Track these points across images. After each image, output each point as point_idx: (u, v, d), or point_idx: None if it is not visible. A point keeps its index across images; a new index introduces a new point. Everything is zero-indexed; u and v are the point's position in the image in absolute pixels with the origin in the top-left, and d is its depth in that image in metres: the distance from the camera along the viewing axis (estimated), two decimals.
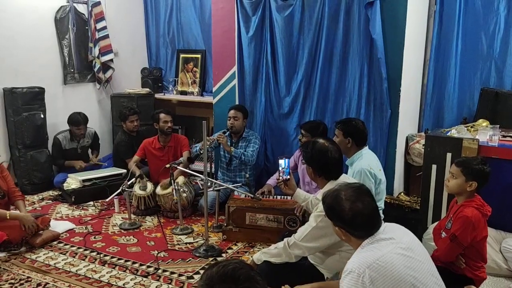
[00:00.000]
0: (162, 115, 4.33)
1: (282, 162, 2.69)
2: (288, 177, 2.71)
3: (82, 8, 5.11)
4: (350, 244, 1.86)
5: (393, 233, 1.78)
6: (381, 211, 2.93)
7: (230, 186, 3.73)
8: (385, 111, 3.67)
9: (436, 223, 2.71)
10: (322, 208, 2.01)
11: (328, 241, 2.27)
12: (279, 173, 2.72)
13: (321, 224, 2.25)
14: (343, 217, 1.78)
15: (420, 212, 3.26)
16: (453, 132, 3.23)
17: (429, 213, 3.18)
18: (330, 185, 2.29)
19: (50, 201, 4.43)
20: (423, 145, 3.43)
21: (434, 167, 3.12)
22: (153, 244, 3.46)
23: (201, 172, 3.35)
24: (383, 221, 1.85)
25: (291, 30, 4.02)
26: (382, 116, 3.71)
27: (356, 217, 1.74)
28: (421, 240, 2.75)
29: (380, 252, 1.68)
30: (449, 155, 3.04)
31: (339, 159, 2.41)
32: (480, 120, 3.45)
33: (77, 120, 4.68)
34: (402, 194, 3.71)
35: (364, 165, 2.80)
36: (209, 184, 3.52)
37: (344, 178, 2.40)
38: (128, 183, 3.81)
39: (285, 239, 2.41)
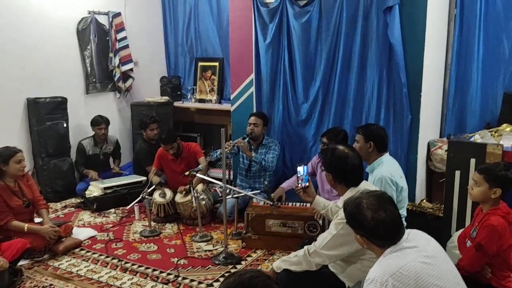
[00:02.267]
0: (163, 145, 4.22)
1: (300, 169, 2.67)
2: (307, 184, 2.68)
3: (103, 19, 5.22)
4: (373, 252, 1.83)
5: (417, 241, 1.75)
6: (403, 219, 2.88)
7: (249, 193, 3.72)
8: (406, 116, 3.62)
9: (460, 231, 2.65)
10: (342, 215, 1.98)
11: (349, 249, 2.24)
12: (298, 180, 2.70)
13: (341, 231, 2.22)
14: (365, 226, 1.75)
15: (443, 220, 3.19)
16: (477, 138, 3.16)
17: (453, 220, 3.11)
18: (350, 193, 2.26)
19: (73, 209, 4.50)
20: (445, 150, 3.36)
21: (457, 173, 3.05)
22: (173, 251, 3.48)
23: (219, 179, 3.36)
24: (406, 228, 1.82)
25: (308, 36, 4.02)
26: (402, 121, 3.66)
27: (378, 226, 1.71)
28: (445, 248, 2.70)
29: (404, 260, 1.65)
30: (473, 161, 2.97)
31: (359, 166, 2.38)
32: (504, 125, 3.36)
33: (98, 121, 4.81)
34: (424, 201, 3.64)
35: (385, 172, 2.75)
36: (228, 191, 3.53)
37: (365, 185, 2.37)
38: (148, 190, 3.85)
39: (305, 247, 2.39)
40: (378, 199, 1.79)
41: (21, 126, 4.57)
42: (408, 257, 1.67)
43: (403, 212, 2.87)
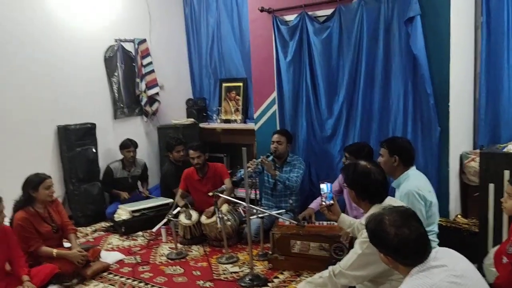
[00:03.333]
0: (190, 152, 4.27)
1: (324, 186, 2.60)
2: (332, 202, 2.61)
3: (129, 46, 5.38)
4: (399, 271, 1.74)
5: (445, 260, 1.65)
6: (435, 235, 2.75)
7: (274, 213, 3.66)
8: (434, 128, 3.49)
9: (497, 247, 2.49)
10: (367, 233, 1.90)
11: (376, 269, 2.13)
12: (322, 198, 2.63)
13: (367, 250, 2.12)
14: (388, 244, 1.67)
15: (479, 236, 3.02)
16: (510, 148, 3.00)
17: (489, 236, 2.94)
18: (374, 209, 2.17)
19: (103, 232, 4.56)
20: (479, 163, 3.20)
21: (491, 186, 2.90)
22: (199, 274, 3.44)
23: (244, 199, 3.31)
24: (437, 246, 1.73)
25: (329, 52, 3.98)
26: (431, 134, 3.53)
27: (402, 244, 1.63)
28: (481, 266, 2.54)
29: (431, 280, 1.57)
30: (506, 173, 2.82)
31: (383, 181, 2.29)
32: None
33: (127, 144, 4.92)
34: (459, 216, 3.47)
35: (412, 186, 2.64)
36: (254, 211, 3.48)
37: (390, 201, 2.27)
38: (174, 212, 3.85)
39: (330, 268, 2.30)
40: (401, 215, 1.71)
41: (53, 153, 4.73)
42: (436, 276, 1.58)
43: (434, 228, 2.73)
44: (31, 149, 4.49)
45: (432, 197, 2.72)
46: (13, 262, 3.01)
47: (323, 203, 2.62)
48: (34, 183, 3.35)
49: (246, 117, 5.51)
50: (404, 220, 1.67)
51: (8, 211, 3.08)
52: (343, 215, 2.65)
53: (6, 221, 3.08)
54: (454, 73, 3.42)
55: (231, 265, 3.54)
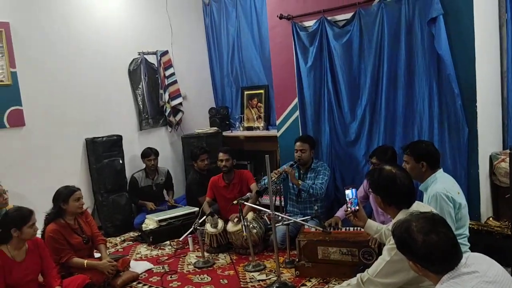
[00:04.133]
0: (220, 154, 4.37)
1: (348, 192, 2.58)
2: (357, 207, 2.58)
3: (151, 58, 5.48)
4: (429, 279, 1.70)
5: (477, 266, 1.61)
6: (466, 239, 2.67)
7: (299, 219, 3.64)
8: (462, 129, 3.42)
9: None
10: None
11: (406, 276, 2.09)
12: (347, 204, 2.60)
13: (395, 257, 2.08)
14: (416, 251, 1.64)
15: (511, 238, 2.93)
16: None
17: None
18: (401, 215, 2.13)
19: (131, 242, 4.63)
20: None
21: None
22: (226, 282, 3.45)
23: (269, 207, 3.31)
24: (469, 249, 1.68)
25: (350, 56, 3.96)
26: (458, 135, 3.46)
27: (431, 251, 1.59)
28: None
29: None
30: None
31: (409, 186, 2.24)
32: None
33: (148, 152, 5.01)
34: (491, 219, 3.36)
35: (440, 188, 2.58)
36: (279, 218, 3.47)
37: (418, 206, 2.22)
38: (200, 221, 3.88)
39: (358, 275, 2.27)
40: (429, 221, 1.67)
41: (81, 165, 4.85)
42: (467, 284, 1.54)
43: (465, 232, 2.65)
44: (60, 162, 4.61)
45: (461, 199, 2.65)
46: (46, 273, 3.09)
47: (349, 209, 2.60)
48: (64, 195, 3.43)
49: (269, 124, 5.52)
50: (432, 226, 1.63)
51: (39, 224, 3.16)
52: (369, 221, 2.62)
53: (38, 234, 3.17)
54: (480, 72, 3.36)
55: (258, 273, 3.54)
